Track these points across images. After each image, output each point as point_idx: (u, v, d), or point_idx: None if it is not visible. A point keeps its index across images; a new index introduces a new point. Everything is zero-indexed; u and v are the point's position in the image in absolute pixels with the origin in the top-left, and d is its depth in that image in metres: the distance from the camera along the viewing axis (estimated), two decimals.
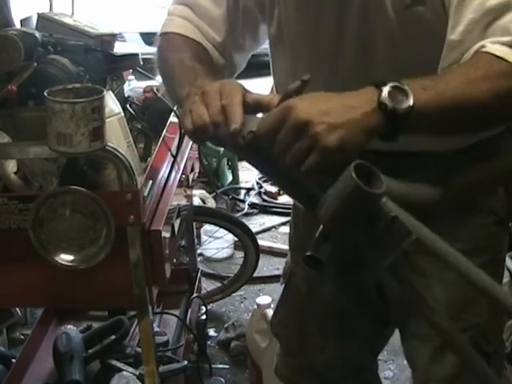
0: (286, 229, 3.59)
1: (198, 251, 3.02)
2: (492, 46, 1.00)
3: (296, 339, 1.52)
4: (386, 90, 0.92)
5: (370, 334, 1.48)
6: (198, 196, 3.31)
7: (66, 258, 1.36)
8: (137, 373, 1.85)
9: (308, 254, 0.96)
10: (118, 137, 1.58)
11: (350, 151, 0.91)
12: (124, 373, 1.87)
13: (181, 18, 1.30)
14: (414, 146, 1.14)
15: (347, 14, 1.15)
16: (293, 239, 1.54)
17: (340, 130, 0.90)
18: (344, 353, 1.49)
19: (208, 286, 2.90)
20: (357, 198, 0.89)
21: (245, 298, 2.99)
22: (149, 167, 1.56)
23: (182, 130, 1.28)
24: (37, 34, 1.57)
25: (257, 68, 6.84)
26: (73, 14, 1.97)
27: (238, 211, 3.72)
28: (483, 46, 1.01)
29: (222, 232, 3.09)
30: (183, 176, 1.90)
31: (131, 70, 1.95)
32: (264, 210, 3.78)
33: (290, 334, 1.54)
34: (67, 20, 1.76)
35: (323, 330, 1.47)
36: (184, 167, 1.89)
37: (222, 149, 3.80)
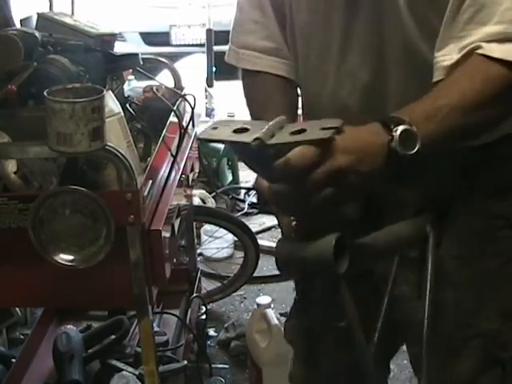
0: None
1: (198, 251, 3.02)
2: (487, 45, 1.00)
3: (306, 348, 1.51)
4: (396, 135, 0.94)
5: (380, 343, 1.46)
6: (198, 196, 3.31)
7: (65, 257, 1.36)
8: (137, 373, 1.85)
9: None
10: (117, 137, 1.58)
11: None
12: (124, 373, 1.87)
13: (268, 55, 1.33)
14: None
15: (358, 14, 1.14)
16: None
17: (367, 179, 0.95)
18: (354, 364, 1.46)
19: (208, 285, 2.90)
20: (323, 267, 0.98)
21: (245, 298, 2.99)
22: (149, 167, 1.56)
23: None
24: (37, 34, 1.57)
25: None
26: (73, 13, 1.97)
27: (238, 211, 3.72)
28: (479, 47, 1.01)
29: (221, 232, 3.10)
30: (183, 176, 1.90)
31: (131, 70, 1.95)
32: (264, 209, 3.78)
33: (301, 342, 1.53)
34: (67, 20, 1.76)
35: (332, 340, 1.45)
36: (184, 167, 1.89)
37: (222, 149, 3.81)
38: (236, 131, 0.95)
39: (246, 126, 0.96)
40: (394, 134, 0.94)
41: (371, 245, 1.09)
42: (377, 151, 0.95)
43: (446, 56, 1.05)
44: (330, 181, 0.92)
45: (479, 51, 1.01)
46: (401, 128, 0.94)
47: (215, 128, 0.99)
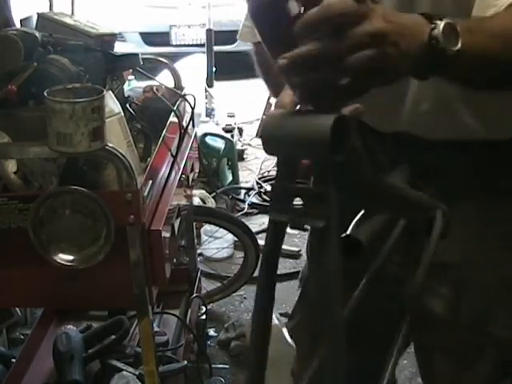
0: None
1: (198, 251, 3.02)
2: None
3: (308, 347, 1.51)
4: (440, 25, 0.84)
5: (385, 343, 1.45)
6: (198, 196, 3.31)
7: (65, 257, 1.36)
8: (137, 373, 1.85)
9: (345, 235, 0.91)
10: (117, 137, 1.58)
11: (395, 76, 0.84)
12: (124, 373, 1.87)
13: None
14: (460, 132, 1.14)
15: None
16: (309, 244, 1.50)
17: (404, 58, 0.82)
18: (357, 364, 1.45)
19: (208, 286, 2.90)
20: (315, 146, 0.79)
21: (245, 298, 2.99)
22: (149, 167, 1.56)
23: None
24: (37, 34, 1.57)
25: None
26: (73, 13, 1.97)
27: (238, 211, 3.72)
28: None
29: (221, 232, 3.09)
30: (183, 176, 1.90)
31: (131, 70, 1.95)
32: (264, 210, 3.78)
33: (303, 340, 1.52)
34: (67, 20, 1.76)
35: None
36: (184, 167, 1.89)
37: (222, 148, 3.81)
38: None
39: None
40: (438, 22, 0.85)
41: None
42: (417, 32, 0.84)
43: (494, 6, 0.98)
44: (370, 41, 0.77)
45: None
46: (445, 20, 0.85)
47: None
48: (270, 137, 0.83)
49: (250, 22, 1.26)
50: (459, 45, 0.85)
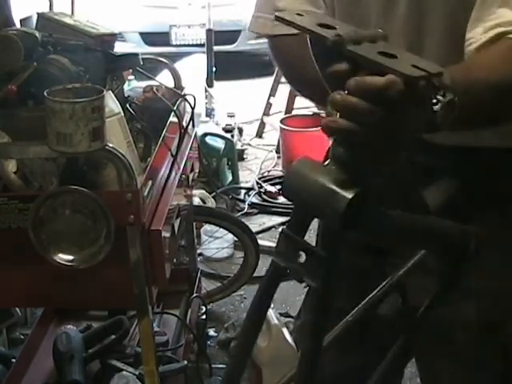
0: None
1: (198, 251, 3.02)
2: None
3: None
4: (444, 101, 0.85)
5: (386, 346, 1.44)
6: (198, 196, 3.31)
7: (65, 257, 1.36)
8: (137, 373, 1.85)
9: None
10: (117, 137, 1.58)
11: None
12: (124, 373, 1.87)
13: None
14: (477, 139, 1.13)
15: None
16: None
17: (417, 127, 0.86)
18: (355, 366, 1.45)
19: (208, 286, 2.90)
20: (328, 213, 0.83)
21: (245, 298, 2.99)
22: (149, 167, 1.56)
23: None
24: (37, 34, 1.57)
25: (257, 68, 6.85)
26: (73, 13, 1.97)
27: (238, 211, 3.72)
28: (509, 32, 0.98)
29: (222, 232, 3.09)
30: (183, 176, 1.90)
31: (131, 70, 1.95)
32: (264, 209, 3.78)
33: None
34: (67, 20, 1.76)
35: (335, 339, 1.44)
36: (184, 167, 1.89)
37: (222, 148, 3.81)
38: (321, 25, 0.81)
39: (335, 24, 0.82)
40: (441, 99, 0.84)
41: (394, 220, 0.95)
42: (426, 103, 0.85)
43: (472, 39, 1.02)
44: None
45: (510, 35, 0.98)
46: (449, 97, 0.85)
47: (300, 15, 0.84)
48: (292, 183, 0.85)
49: (266, 13, 1.24)
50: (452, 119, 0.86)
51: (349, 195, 0.78)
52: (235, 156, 3.97)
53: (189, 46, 6.17)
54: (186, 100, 2.00)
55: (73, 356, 1.91)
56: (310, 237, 0.98)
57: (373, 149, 0.81)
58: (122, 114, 1.65)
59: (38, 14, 1.78)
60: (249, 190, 3.94)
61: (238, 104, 4.81)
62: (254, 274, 2.89)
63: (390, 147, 0.82)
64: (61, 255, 1.36)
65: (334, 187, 0.80)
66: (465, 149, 1.16)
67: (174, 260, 2.45)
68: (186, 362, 2.01)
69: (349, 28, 0.81)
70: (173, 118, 1.85)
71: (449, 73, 0.86)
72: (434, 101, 0.85)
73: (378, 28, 0.91)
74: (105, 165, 1.46)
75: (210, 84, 4.49)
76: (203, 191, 3.45)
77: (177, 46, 6.28)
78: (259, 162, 4.36)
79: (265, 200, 3.86)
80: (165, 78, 2.12)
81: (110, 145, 1.32)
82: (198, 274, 2.57)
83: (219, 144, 3.83)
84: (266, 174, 4.20)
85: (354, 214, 0.80)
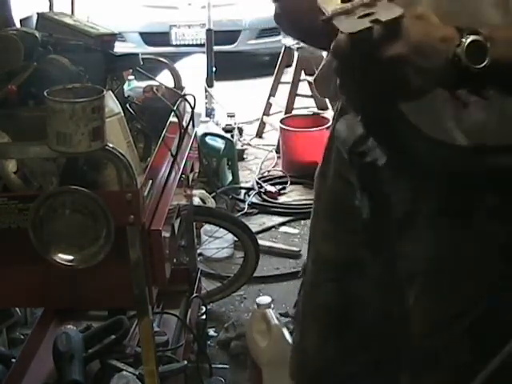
0: (286, 229, 3.59)
1: (198, 251, 3.02)
2: None
3: (298, 337, 1.52)
4: (465, 43, 0.88)
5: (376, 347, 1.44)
6: (198, 196, 3.31)
7: (65, 257, 1.36)
8: (137, 373, 1.85)
9: None
10: (117, 137, 1.58)
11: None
12: (124, 373, 1.87)
13: None
14: None
15: None
16: (312, 227, 1.47)
17: (425, 76, 0.89)
18: (342, 355, 1.46)
19: (208, 286, 2.90)
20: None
21: (245, 298, 2.99)
22: (149, 167, 1.56)
23: None
24: (37, 34, 1.57)
25: (257, 68, 6.85)
26: (73, 13, 1.97)
27: (238, 211, 3.72)
28: None
29: (222, 232, 3.09)
30: (183, 176, 1.90)
31: (131, 70, 1.95)
32: (264, 209, 3.78)
33: (295, 331, 1.53)
34: (67, 20, 1.76)
35: (321, 330, 1.46)
36: (184, 167, 1.89)
37: (222, 148, 3.81)
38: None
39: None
40: (463, 40, 0.89)
41: None
42: (442, 49, 0.89)
43: None
44: (390, 65, 0.87)
45: None
46: (472, 37, 0.89)
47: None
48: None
49: None
50: (486, 62, 0.88)
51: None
52: (235, 156, 3.96)
53: (189, 45, 6.17)
54: (186, 100, 2.00)
55: (73, 356, 1.91)
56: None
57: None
58: (122, 114, 1.65)
59: (37, 13, 1.78)
60: (249, 189, 3.94)
61: (237, 104, 4.81)
62: (254, 274, 2.90)
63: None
64: (61, 255, 1.35)
65: None
66: None
67: (174, 260, 2.45)
68: (185, 362, 2.01)
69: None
70: (173, 118, 1.85)
71: (489, 28, 0.90)
72: (458, 43, 0.88)
73: None
74: (105, 165, 1.46)
75: (209, 84, 4.49)
76: (203, 191, 3.45)
77: (177, 45, 6.27)
78: (259, 161, 4.36)
79: (265, 200, 3.85)
80: (165, 78, 2.12)
81: (110, 145, 1.32)
82: (198, 274, 2.57)
83: (219, 144, 3.83)
84: (265, 174, 4.20)
85: None
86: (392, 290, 1.27)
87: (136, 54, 1.78)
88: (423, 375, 1.25)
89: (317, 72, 1.27)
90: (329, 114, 4.06)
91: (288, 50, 4.44)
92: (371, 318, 1.36)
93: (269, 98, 4.62)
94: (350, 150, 1.16)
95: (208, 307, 2.56)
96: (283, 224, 3.64)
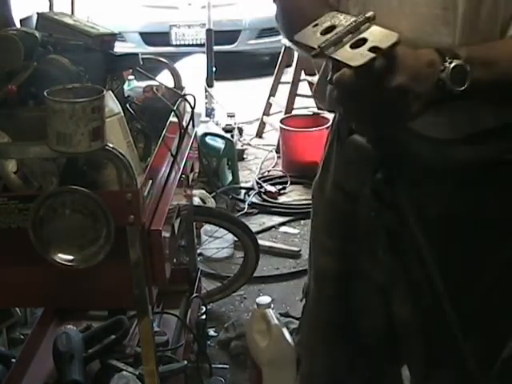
0: (286, 229, 3.59)
1: (198, 251, 3.02)
2: None
3: (307, 360, 1.50)
4: (449, 67, 0.96)
5: (381, 358, 1.42)
6: (198, 196, 3.31)
7: (65, 257, 1.36)
8: (137, 373, 1.85)
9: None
10: (117, 137, 1.58)
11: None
12: (124, 373, 1.87)
13: None
14: None
15: None
16: (311, 245, 1.48)
17: (420, 101, 0.96)
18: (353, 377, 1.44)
19: (208, 285, 2.90)
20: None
21: (245, 298, 2.99)
22: (149, 167, 1.56)
23: None
24: (37, 34, 1.57)
25: (257, 68, 6.85)
26: (73, 13, 1.97)
27: (238, 211, 3.72)
28: None
29: (221, 232, 3.09)
30: (183, 176, 1.90)
31: (131, 70, 1.95)
32: (264, 209, 3.78)
33: (304, 353, 1.52)
34: (67, 20, 1.76)
35: (329, 351, 1.43)
36: (184, 167, 1.89)
37: (222, 148, 3.81)
38: (324, 31, 0.96)
39: (335, 23, 0.96)
40: (447, 65, 0.96)
41: None
42: (429, 74, 0.96)
43: None
44: (395, 94, 0.94)
45: None
46: (455, 62, 0.96)
47: (316, 25, 0.99)
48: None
49: None
50: (466, 85, 0.96)
51: None
52: (235, 156, 3.96)
53: (189, 45, 6.17)
54: (186, 100, 2.00)
55: (73, 356, 1.91)
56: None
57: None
58: (122, 114, 1.65)
59: (38, 13, 1.78)
60: (249, 189, 3.94)
61: (238, 104, 4.81)
62: (254, 274, 2.90)
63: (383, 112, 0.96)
64: (61, 255, 1.35)
65: None
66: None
67: (174, 260, 2.45)
68: (185, 362, 2.01)
69: (346, 18, 0.95)
70: (173, 118, 1.85)
71: (469, 47, 0.98)
72: (442, 68, 0.96)
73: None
74: (105, 165, 1.46)
75: (210, 84, 4.49)
76: (203, 191, 3.45)
77: (177, 45, 6.27)
78: (259, 162, 4.36)
79: (265, 200, 3.85)
80: (165, 78, 2.12)
81: (110, 145, 1.32)
82: (198, 274, 2.57)
83: (219, 144, 3.83)
84: (266, 174, 4.20)
85: None
86: (395, 296, 1.27)
87: (136, 54, 1.78)
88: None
89: (315, 84, 1.28)
90: (329, 114, 4.06)
91: (288, 50, 4.44)
92: (377, 328, 1.35)
93: (269, 98, 4.62)
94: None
95: (208, 307, 2.56)
96: (283, 224, 3.64)
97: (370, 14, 0.94)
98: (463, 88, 0.96)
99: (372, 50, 0.90)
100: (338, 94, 0.96)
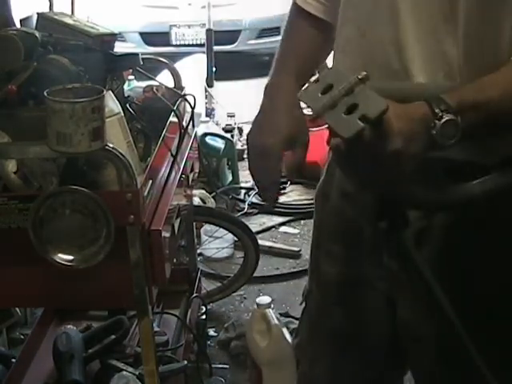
0: (286, 229, 3.59)
1: (198, 251, 3.02)
2: None
3: (306, 366, 1.50)
4: (439, 125, 0.97)
5: (384, 365, 1.40)
6: (198, 196, 3.31)
7: (65, 257, 1.36)
8: (137, 373, 1.85)
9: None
10: (117, 137, 1.58)
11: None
12: (124, 373, 1.87)
13: None
14: None
15: None
16: (314, 250, 1.46)
17: (415, 159, 0.99)
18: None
19: (208, 286, 2.90)
20: None
21: (245, 298, 2.99)
22: (149, 167, 1.56)
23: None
24: (37, 34, 1.57)
25: (257, 68, 6.86)
26: (73, 13, 1.97)
27: (238, 211, 3.72)
28: None
29: (221, 232, 3.09)
30: (183, 176, 1.90)
31: (131, 70, 1.95)
32: (264, 209, 3.78)
33: (303, 358, 1.51)
34: (67, 20, 1.76)
35: (331, 357, 1.42)
36: (184, 167, 1.89)
37: (222, 148, 3.81)
38: (324, 90, 0.98)
39: (333, 82, 0.98)
40: (437, 121, 0.98)
41: None
42: (421, 131, 0.98)
43: None
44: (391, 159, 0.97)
45: None
46: (445, 118, 0.97)
47: (317, 81, 1.01)
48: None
49: None
50: (457, 138, 0.98)
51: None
52: (235, 156, 3.96)
53: (189, 45, 6.17)
54: (186, 100, 2.00)
55: (73, 356, 1.91)
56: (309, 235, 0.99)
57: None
58: (122, 114, 1.65)
59: (38, 13, 1.78)
60: (249, 190, 3.94)
61: (238, 104, 4.81)
62: (254, 274, 2.90)
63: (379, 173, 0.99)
64: (61, 255, 1.35)
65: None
66: None
67: (174, 260, 2.45)
68: (185, 362, 2.01)
69: (343, 80, 0.97)
70: (173, 118, 1.85)
71: (459, 92, 0.99)
72: (432, 125, 0.98)
73: None
74: (105, 165, 1.46)
75: (210, 84, 4.49)
76: (203, 191, 3.45)
77: (177, 45, 6.28)
78: None
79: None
80: (165, 78, 2.12)
81: (110, 145, 1.32)
82: (198, 274, 2.57)
83: (219, 144, 3.83)
84: None
85: None
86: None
87: (136, 54, 1.78)
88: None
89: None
90: None
91: None
92: (381, 339, 1.34)
93: None
94: None
95: (208, 307, 2.56)
96: (283, 224, 3.64)
97: (362, 74, 0.96)
98: (454, 140, 0.98)
99: (362, 119, 0.93)
100: (335, 157, 1.01)
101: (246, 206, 3.77)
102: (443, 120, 0.97)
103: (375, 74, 1.05)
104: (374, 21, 1.13)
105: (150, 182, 1.52)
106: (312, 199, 1.42)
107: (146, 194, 1.44)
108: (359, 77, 0.96)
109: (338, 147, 0.96)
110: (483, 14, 1.04)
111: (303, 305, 1.49)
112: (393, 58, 1.11)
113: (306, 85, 1.02)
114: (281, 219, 3.67)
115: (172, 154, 1.79)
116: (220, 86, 4.70)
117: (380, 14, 1.11)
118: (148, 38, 6.32)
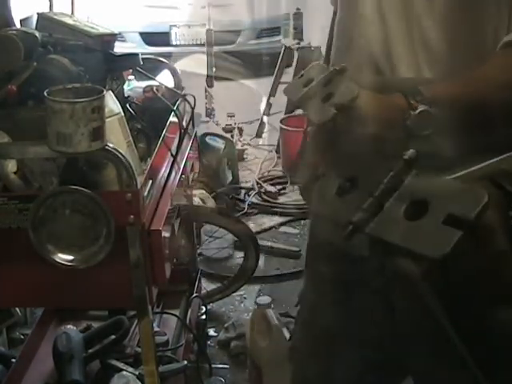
0: (286, 229, 3.59)
1: (198, 251, 3.02)
2: None
3: (298, 368, 1.49)
4: (413, 115, 1.01)
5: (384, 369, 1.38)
6: (198, 196, 3.31)
7: (65, 257, 1.36)
8: (137, 373, 1.85)
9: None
10: (117, 137, 1.58)
11: None
12: (124, 373, 1.87)
13: None
14: None
15: None
16: (309, 249, 1.47)
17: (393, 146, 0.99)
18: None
19: (208, 286, 2.90)
20: None
21: (245, 298, 2.99)
22: (149, 167, 1.56)
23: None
24: (37, 34, 1.57)
25: (257, 68, 6.84)
26: (73, 13, 1.97)
27: (238, 211, 3.72)
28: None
29: (221, 232, 3.09)
30: (183, 176, 1.90)
31: (131, 70, 1.95)
32: (264, 209, 3.78)
33: (296, 360, 1.51)
34: (67, 20, 1.76)
35: (324, 358, 1.41)
36: (184, 167, 1.89)
37: (222, 148, 3.81)
38: (306, 83, 1.04)
39: (314, 76, 1.06)
40: (412, 112, 1.01)
41: None
42: (397, 123, 1.01)
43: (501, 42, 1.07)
44: None
45: None
46: (420, 108, 1.01)
47: (301, 76, 1.08)
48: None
49: None
50: (431, 128, 1.01)
51: None
52: (235, 156, 3.97)
53: (189, 45, 6.17)
54: (186, 100, 2.00)
55: (73, 356, 1.91)
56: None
57: None
58: (122, 114, 1.65)
59: (38, 13, 1.78)
60: (249, 190, 3.94)
61: (238, 104, 4.81)
62: (254, 274, 2.90)
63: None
64: (61, 255, 1.35)
65: None
66: None
67: (174, 260, 2.44)
68: (185, 362, 2.01)
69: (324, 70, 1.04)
70: (173, 118, 1.85)
71: (436, 85, 1.03)
72: (407, 116, 1.01)
73: None
74: (105, 165, 1.46)
75: (209, 84, 4.49)
76: (203, 191, 3.45)
77: (177, 46, 6.28)
78: (259, 162, 4.36)
79: (265, 200, 3.86)
80: (165, 78, 2.12)
81: (110, 145, 1.32)
82: (198, 274, 2.57)
83: (219, 144, 3.83)
84: (265, 173, 4.20)
85: None
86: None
87: (136, 54, 1.78)
88: None
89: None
90: None
91: (288, 50, 4.44)
92: (376, 337, 1.32)
93: (269, 98, 4.63)
94: None
95: (208, 307, 2.56)
96: (283, 224, 3.64)
97: (340, 66, 1.01)
98: (428, 132, 1.01)
99: (334, 105, 0.98)
100: (313, 145, 1.05)
101: (246, 206, 3.77)
102: (418, 110, 1.00)
103: (364, 72, 1.10)
104: (362, 23, 1.16)
105: (150, 182, 1.52)
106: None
107: (145, 194, 1.44)
108: (337, 68, 1.02)
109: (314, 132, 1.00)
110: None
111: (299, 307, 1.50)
112: (380, 57, 1.14)
113: (291, 81, 1.09)
114: (281, 219, 3.68)
115: (172, 154, 1.79)
116: (220, 86, 4.70)
117: (366, 16, 1.15)
118: (148, 37, 6.32)
